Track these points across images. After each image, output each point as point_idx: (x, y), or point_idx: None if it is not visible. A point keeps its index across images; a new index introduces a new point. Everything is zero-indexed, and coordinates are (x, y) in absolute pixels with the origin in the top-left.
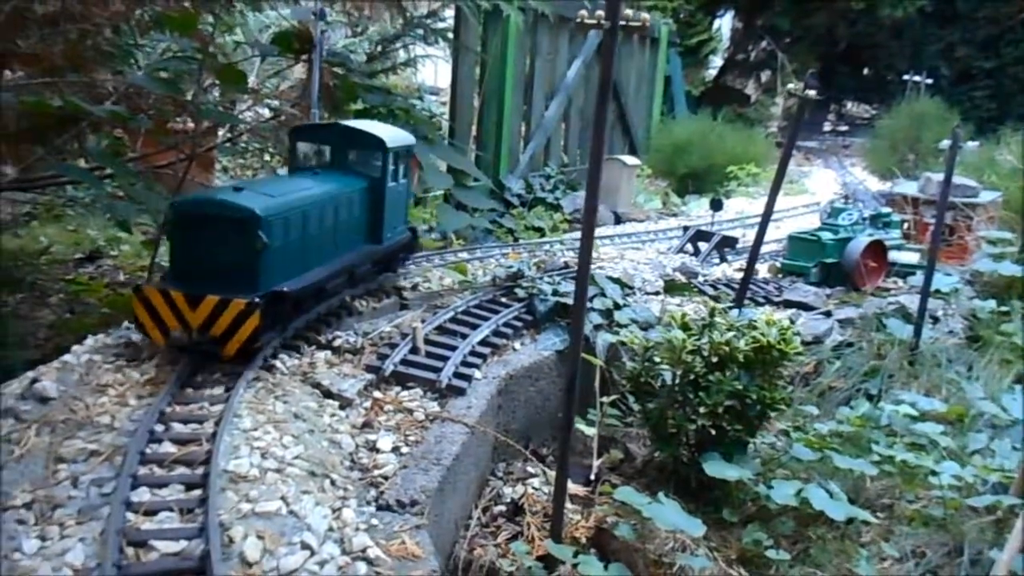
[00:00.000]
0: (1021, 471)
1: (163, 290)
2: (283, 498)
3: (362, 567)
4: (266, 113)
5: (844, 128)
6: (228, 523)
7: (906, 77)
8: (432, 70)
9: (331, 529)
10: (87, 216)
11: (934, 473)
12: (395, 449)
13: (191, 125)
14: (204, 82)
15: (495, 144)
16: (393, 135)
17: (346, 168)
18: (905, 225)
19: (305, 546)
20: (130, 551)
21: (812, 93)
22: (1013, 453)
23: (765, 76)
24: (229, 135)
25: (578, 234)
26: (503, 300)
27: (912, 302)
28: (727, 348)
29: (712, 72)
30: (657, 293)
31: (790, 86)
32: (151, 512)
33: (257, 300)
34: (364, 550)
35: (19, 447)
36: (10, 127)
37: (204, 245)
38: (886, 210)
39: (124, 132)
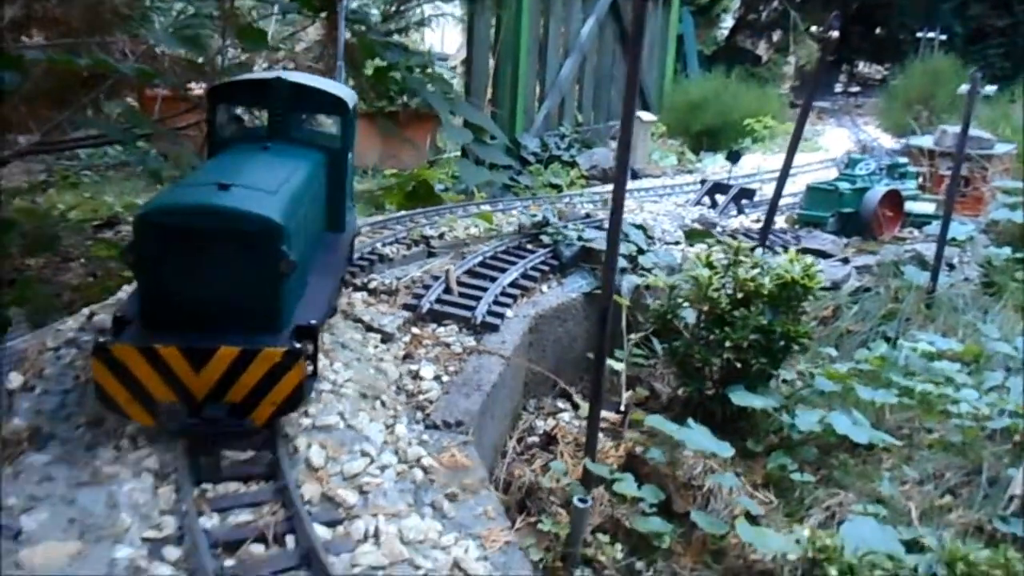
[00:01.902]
0: None
1: (145, 347)
2: (340, 414)
3: (419, 473)
4: None
5: (856, 89)
6: (292, 435)
7: (919, 35)
8: (439, 36)
9: (386, 442)
10: (103, 183)
11: (954, 402)
12: (436, 377)
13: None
14: (225, 43)
15: (510, 103)
16: (347, 92)
17: (296, 138)
18: (920, 177)
19: (365, 454)
20: (202, 459)
21: (835, 34)
22: None
23: (777, 36)
24: None
25: (595, 189)
26: (529, 247)
27: (928, 250)
28: (752, 284)
29: (724, 32)
30: (677, 243)
31: (812, 28)
32: None
33: (297, 345)
34: (419, 459)
35: (84, 373)
36: (31, 90)
37: (197, 272)
38: (902, 160)
39: (141, 97)
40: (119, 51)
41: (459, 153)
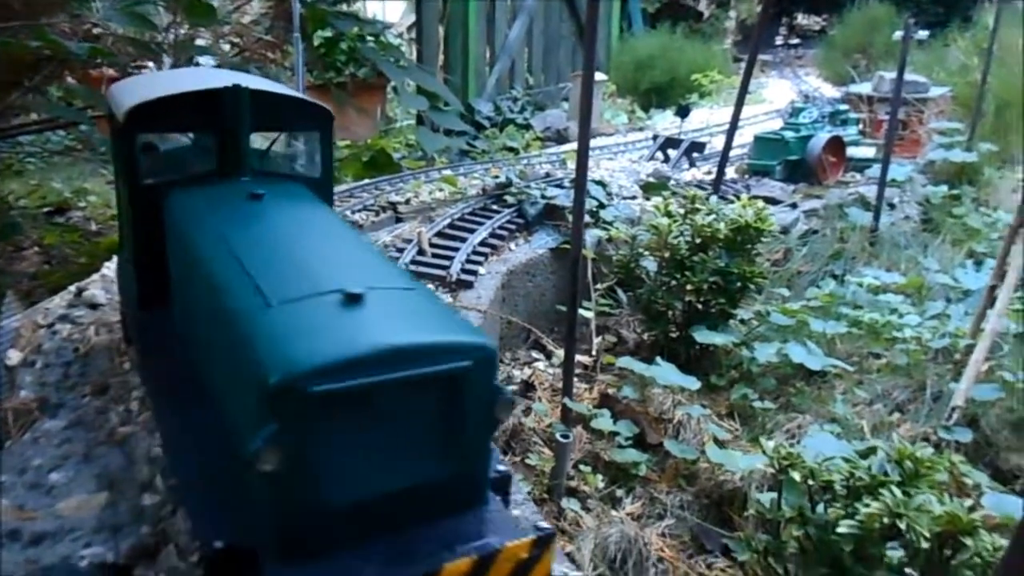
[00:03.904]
0: (976, 315)
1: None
2: None
3: None
4: (227, 49)
5: (796, 41)
6: None
7: None
8: (380, 5)
9: None
10: (48, 170)
11: (898, 328)
12: None
13: (152, 66)
14: (175, 18)
15: (462, 69)
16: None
17: (267, 171)
18: (861, 123)
19: None
20: None
21: None
22: (966, 318)
23: None
24: None
25: (552, 150)
26: (494, 207)
27: (870, 192)
28: (709, 230)
29: None
30: (634, 197)
31: None
32: None
33: (543, 526)
34: None
35: (83, 345)
36: None
37: (372, 451)
38: (843, 108)
39: (86, 79)
40: (59, 33)
41: (410, 122)
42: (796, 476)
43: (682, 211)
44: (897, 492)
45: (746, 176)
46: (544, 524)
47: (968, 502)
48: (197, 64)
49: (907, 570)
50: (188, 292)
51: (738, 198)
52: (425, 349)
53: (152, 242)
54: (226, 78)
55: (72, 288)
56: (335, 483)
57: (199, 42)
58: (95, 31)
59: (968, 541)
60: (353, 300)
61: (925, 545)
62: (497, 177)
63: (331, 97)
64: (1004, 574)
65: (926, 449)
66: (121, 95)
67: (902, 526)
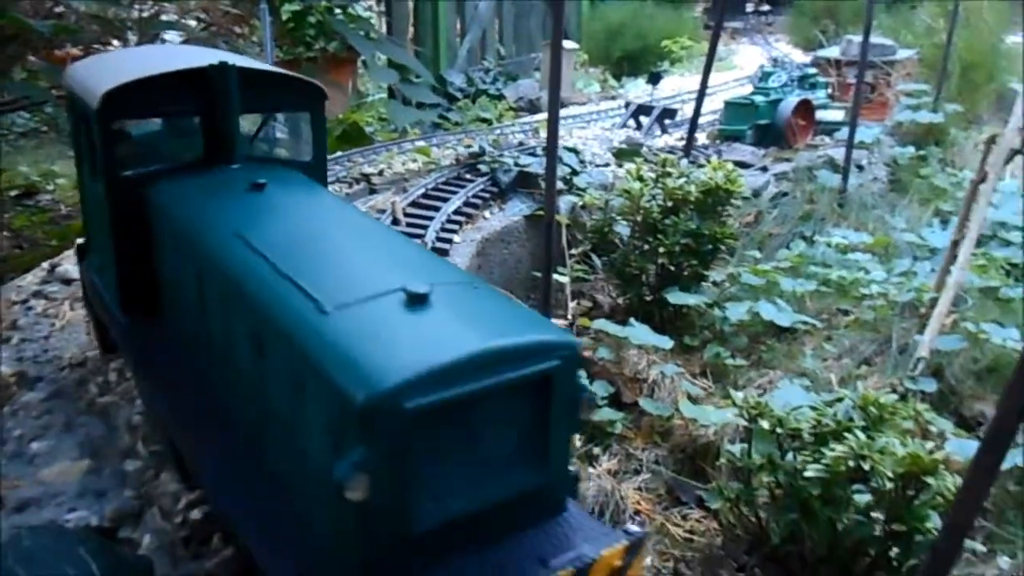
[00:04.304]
0: (940, 270)
1: None
2: None
3: None
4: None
5: (766, 7)
6: None
7: None
8: None
9: None
10: (14, 153)
11: (866, 284)
12: None
13: (117, 43)
14: None
15: (433, 41)
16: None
17: (259, 157)
18: (829, 87)
19: None
20: None
21: None
22: (932, 274)
23: None
24: None
25: (525, 120)
26: (468, 176)
27: (839, 154)
28: (680, 193)
29: None
30: (607, 164)
31: None
32: None
33: (635, 528)
34: None
35: (59, 320)
36: None
37: (459, 464)
38: (811, 71)
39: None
40: (21, 11)
41: (382, 95)
42: (765, 425)
43: (653, 175)
44: (861, 435)
45: (718, 141)
46: (634, 528)
47: (930, 444)
48: (163, 41)
49: (872, 513)
50: (193, 297)
51: (709, 162)
52: (517, 351)
53: (135, 241)
54: (199, 55)
55: (45, 265)
56: (427, 505)
57: (164, 17)
58: (57, 9)
59: (930, 480)
60: (418, 301)
61: (889, 486)
62: (470, 147)
63: (300, 71)
64: (957, 508)
65: (890, 396)
66: (86, 77)
67: (866, 468)
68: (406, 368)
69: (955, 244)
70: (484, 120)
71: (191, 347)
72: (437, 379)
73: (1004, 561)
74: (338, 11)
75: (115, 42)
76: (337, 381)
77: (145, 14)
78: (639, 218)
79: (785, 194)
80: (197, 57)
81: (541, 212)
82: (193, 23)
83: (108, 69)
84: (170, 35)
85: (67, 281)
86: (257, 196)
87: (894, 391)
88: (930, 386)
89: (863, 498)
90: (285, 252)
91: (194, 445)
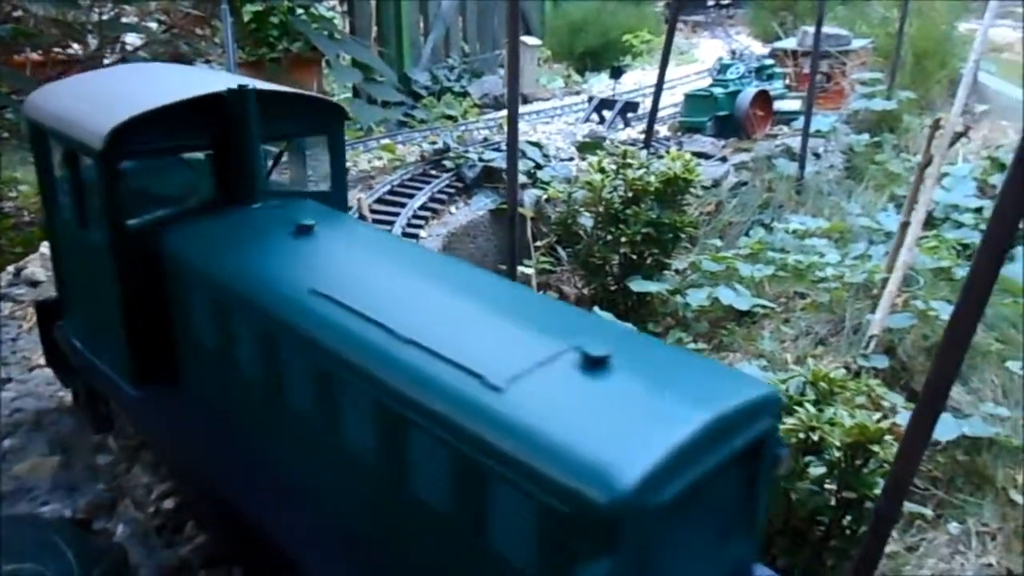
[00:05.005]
0: (891, 251)
1: None
2: None
3: None
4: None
5: (727, 2)
6: None
7: None
8: None
9: None
10: None
11: (821, 267)
12: None
13: (77, 47)
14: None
15: (396, 40)
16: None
17: (282, 192)
18: (787, 77)
19: None
20: None
21: None
22: (886, 257)
23: None
24: (120, 57)
25: (489, 116)
26: (433, 172)
27: (797, 143)
28: (640, 183)
29: None
30: (571, 159)
31: None
32: None
33: None
34: None
35: (25, 322)
36: None
37: (694, 545)
38: (769, 62)
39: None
40: None
41: (347, 95)
42: None
43: (615, 167)
44: (811, 408)
45: (679, 133)
46: None
47: (877, 415)
48: (123, 44)
49: (826, 484)
50: (251, 368)
51: (669, 153)
52: (738, 415)
53: (147, 301)
54: (192, 79)
55: (11, 268)
56: None
57: (125, 20)
58: (15, 14)
59: (877, 449)
60: (597, 364)
61: (838, 455)
62: (435, 143)
63: (265, 73)
64: (895, 470)
65: (839, 371)
66: (67, 109)
67: (816, 439)
68: (643, 457)
69: (904, 226)
70: (449, 117)
71: (244, 424)
72: (677, 464)
73: (953, 526)
74: (300, 11)
75: (75, 46)
76: (553, 478)
77: (105, 17)
78: (601, 209)
79: (744, 183)
80: (191, 80)
81: (506, 206)
82: (154, 25)
83: (93, 98)
84: (130, 37)
85: (33, 283)
86: (308, 241)
87: (847, 369)
88: (882, 363)
89: (817, 471)
90: (392, 312)
91: (281, 528)
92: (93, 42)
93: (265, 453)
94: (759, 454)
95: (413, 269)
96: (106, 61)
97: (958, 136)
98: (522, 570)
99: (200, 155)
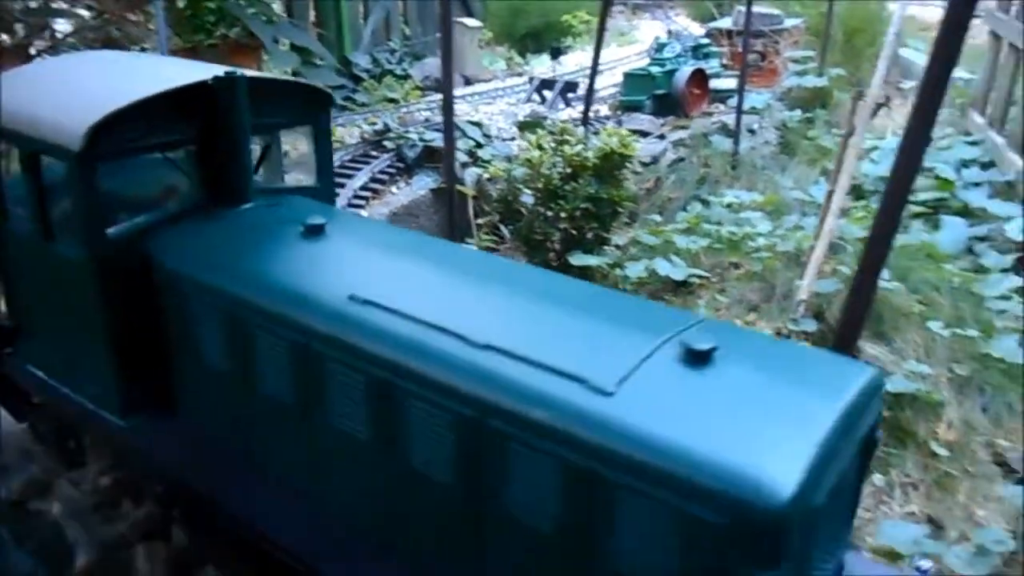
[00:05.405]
0: (819, 221)
1: None
2: None
3: None
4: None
5: None
6: None
7: None
8: None
9: None
10: None
11: (754, 238)
12: None
13: (4, 37)
14: None
15: (335, 23)
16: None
17: (273, 189)
18: (723, 56)
19: None
20: None
21: None
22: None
23: None
24: (49, 44)
25: (431, 98)
26: (373, 153)
27: (732, 120)
28: (578, 159)
29: None
30: (513, 139)
31: None
32: None
33: (925, 568)
34: None
35: None
36: None
37: (828, 537)
38: (704, 41)
39: None
40: None
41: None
42: None
43: (553, 144)
44: None
45: (619, 112)
46: (925, 564)
47: None
48: (53, 31)
49: None
50: (266, 387)
51: (605, 130)
52: (858, 404)
53: (134, 321)
54: (147, 65)
55: None
56: None
57: (54, 6)
58: None
59: None
60: (701, 359)
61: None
62: (375, 124)
63: (203, 60)
64: None
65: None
66: (22, 104)
67: None
68: (795, 459)
69: (830, 195)
70: (391, 100)
71: (270, 451)
72: (823, 462)
73: (878, 478)
74: None
75: (3, 35)
76: (702, 486)
77: (33, 4)
78: (541, 185)
79: (682, 160)
80: (161, 70)
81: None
82: (85, 12)
83: (54, 93)
84: (59, 24)
85: None
86: (323, 243)
87: (779, 333)
88: (811, 326)
89: None
90: (454, 316)
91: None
92: (20, 29)
93: (300, 481)
94: (873, 440)
95: (452, 267)
96: (32, 51)
97: (879, 106)
98: None
99: (182, 152)
